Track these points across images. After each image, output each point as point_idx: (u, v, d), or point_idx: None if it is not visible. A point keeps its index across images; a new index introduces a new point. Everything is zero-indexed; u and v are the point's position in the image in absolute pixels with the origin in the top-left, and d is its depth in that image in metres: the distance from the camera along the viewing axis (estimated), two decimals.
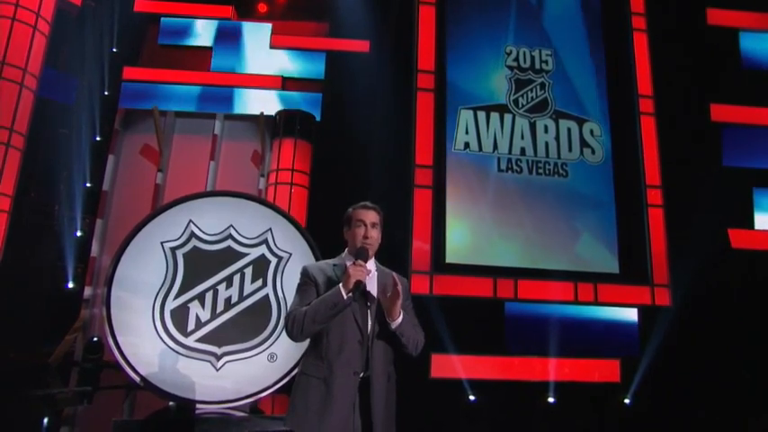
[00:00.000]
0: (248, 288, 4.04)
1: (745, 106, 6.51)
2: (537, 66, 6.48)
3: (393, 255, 2.45)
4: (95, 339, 5.44)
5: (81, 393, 4.63)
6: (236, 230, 4.10)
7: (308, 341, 2.14)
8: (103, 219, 6.02)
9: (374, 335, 2.06)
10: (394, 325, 2.03)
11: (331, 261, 2.22)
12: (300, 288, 2.15)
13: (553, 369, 5.46)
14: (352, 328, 2.05)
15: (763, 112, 6.52)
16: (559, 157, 6.21)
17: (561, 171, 6.18)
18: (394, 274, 2.24)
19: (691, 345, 5.49)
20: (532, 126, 6.26)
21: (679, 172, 6.13)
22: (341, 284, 1.98)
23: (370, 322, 2.07)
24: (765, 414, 4.65)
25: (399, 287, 1.98)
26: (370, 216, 2.16)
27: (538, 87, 6.39)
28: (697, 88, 6.40)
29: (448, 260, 5.75)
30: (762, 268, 5.95)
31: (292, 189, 5.86)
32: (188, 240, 4.03)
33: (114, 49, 6.53)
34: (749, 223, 6.22)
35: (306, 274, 2.16)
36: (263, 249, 4.11)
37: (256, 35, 6.62)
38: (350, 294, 1.97)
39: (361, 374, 2.02)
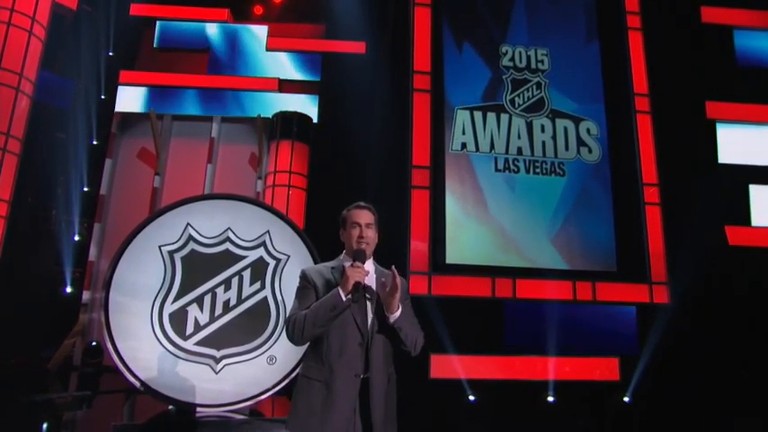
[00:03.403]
0: (247, 291, 4.04)
1: (741, 103, 6.54)
2: (533, 65, 6.49)
3: (391, 255, 2.45)
4: (94, 344, 5.44)
5: (80, 398, 4.63)
6: (234, 233, 4.10)
7: (307, 344, 2.14)
8: (101, 223, 6.01)
9: (374, 334, 2.07)
10: (392, 318, 2.03)
11: (329, 264, 2.23)
12: (299, 292, 2.16)
13: (552, 368, 5.47)
14: (353, 331, 2.05)
15: (759, 109, 6.56)
16: (556, 157, 6.22)
17: (558, 170, 6.20)
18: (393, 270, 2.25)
19: (689, 342, 5.50)
20: (529, 126, 6.27)
21: (676, 170, 6.15)
22: (339, 287, 2.00)
23: (369, 322, 2.08)
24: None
25: (398, 280, 1.99)
26: (364, 216, 2.17)
27: (534, 87, 6.41)
28: (692, 86, 6.42)
29: (446, 260, 5.75)
30: (759, 265, 5.97)
31: (290, 191, 5.86)
32: (186, 243, 4.02)
33: (110, 53, 6.52)
34: (746, 220, 6.24)
35: (304, 278, 2.17)
36: (261, 252, 4.11)
37: (253, 38, 6.63)
38: (349, 296, 1.98)
39: (362, 376, 2.03)
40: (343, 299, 1.97)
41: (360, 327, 2.06)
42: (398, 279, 1.99)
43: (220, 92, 6.40)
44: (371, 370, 2.03)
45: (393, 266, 2.03)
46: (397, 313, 2.03)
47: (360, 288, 2.00)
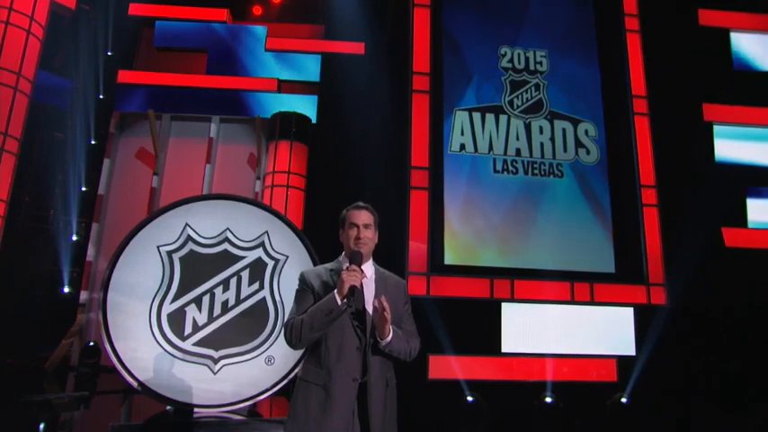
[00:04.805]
0: (245, 291, 4.03)
1: (737, 106, 6.57)
2: (531, 67, 6.51)
3: (390, 256, 2.46)
4: (92, 344, 5.43)
5: (78, 398, 4.61)
6: (233, 233, 4.10)
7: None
8: (99, 223, 6.00)
9: (371, 342, 2.07)
10: (383, 343, 2.02)
11: (328, 265, 2.22)
12: (298, 295, 2.16)
13: (551, 369, 5.48)
14: (351, 335, 2.05)
15: (755, 112, 6.59)
16: (555, 158, 6.23)
17: (557, 171, 6.21)
18: (394, 277, 2.24)
19: (686, 343, 5.52)
20: (527, 127, 6.29)
21: (673, 171, 6.17)
22: (335, 291, 1.98)
23: (368, 327, 2.07)
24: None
25: (387, 314, 1.96)
26: (363, 217, 2.16)
27: (533, 88, 6.42)
28: (690, 88, 6.44)
29: (445, 261, 5.76)
30: (755, 266, 5.99)
31: (289, 191, 5.87)
32: (184, 244, 4.02)
33: (109, 53, 6.52)
34: (743, 222, 6.27)
35: (303, 281, 2.16)
36: (259, 252, 4.11)
37: (252, 38, 6.62)
38: (345, 300, 1.96)
39: (360, 380, 2.02)
40: (339, 303, 1.95)
41: (358, 331, 2.05)
42: (388, 313, 1.95)
43: (219, 92, 6.39)
44: (370, 374, 2.02)
45: (382, 297, 1.98)
46: (388, 338, 2.02)
47: (356, 292, 1.98)
